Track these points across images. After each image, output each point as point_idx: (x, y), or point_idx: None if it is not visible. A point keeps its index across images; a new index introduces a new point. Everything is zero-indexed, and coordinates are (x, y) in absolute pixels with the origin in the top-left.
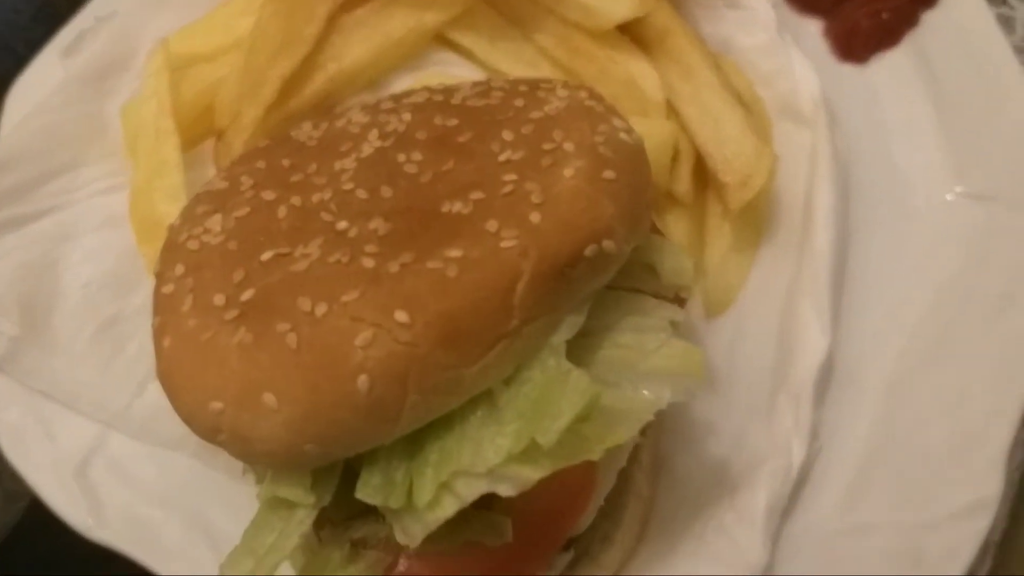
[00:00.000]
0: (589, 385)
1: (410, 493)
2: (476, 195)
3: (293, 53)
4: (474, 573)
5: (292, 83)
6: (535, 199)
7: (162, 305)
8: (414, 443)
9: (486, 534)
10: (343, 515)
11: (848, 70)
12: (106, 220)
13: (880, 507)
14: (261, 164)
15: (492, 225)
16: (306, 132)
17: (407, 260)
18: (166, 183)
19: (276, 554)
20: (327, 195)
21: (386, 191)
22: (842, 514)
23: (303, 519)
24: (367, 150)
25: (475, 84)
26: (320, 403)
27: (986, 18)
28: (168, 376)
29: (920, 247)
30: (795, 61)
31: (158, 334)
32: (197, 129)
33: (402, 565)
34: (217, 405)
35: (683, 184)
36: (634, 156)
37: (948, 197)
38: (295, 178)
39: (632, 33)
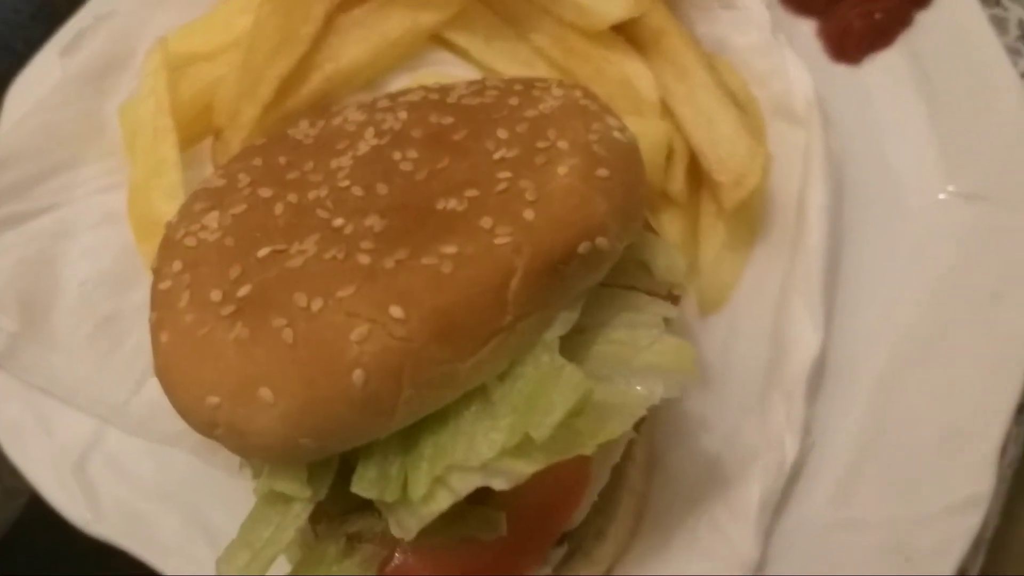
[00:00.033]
0: (582, 380)
1: (405, 487)
2: (471, 192)
3: (291, 52)
4: (469, 567)
5: (290, 82)
6: (529, 196)
7: (159, 301)
8: (409, 437)
9: (481, 528)
10: (339, 509)
11: (841, 70)
12: (105, 218)
13: (872, 503)
14: (258, 162)
15: (486, 222)
16: (303, 130)
17: (402, 256)
18: (164, 181)
19: (272, 548)
20: (323, 192)
21: (382, 188)
22: (834, 510)
23: (299, 513)
24: (363, 148)
25: (471, 83)
26: (315, 397)
27: (979, 19)
28: (165, 371)
29: (912, 246)
30: (789, 61)
31: (155, 329)
32: (195, 128)
33: (397, 559)
34: (213, 399)
35: (677, 183)
36: (628, 154)
37: (940, 196)
38: (292, 175)
39: (627, 33)
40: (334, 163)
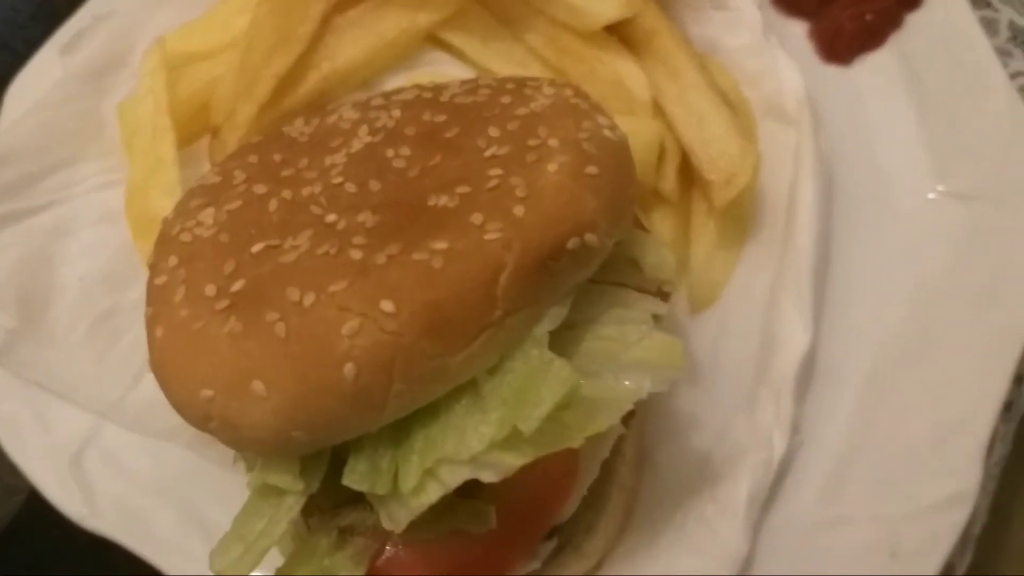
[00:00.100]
0: (570, 374)
1: (395, 479)
2: (462, 189)
3: (288, 52)
4: (459, 560)
5: (286, 82)
6: (519, 193)
7: (155, 296)
8: (400, 431)
9: (470, 521)
10: (331, 503)
11: (832, 71)
12: (103, 216)
13: (859, 500)
14: (253, 159)
15: (477, 218)
16: (298, 128)
17: (394, 252)
18: (162, 179)
19: (265, 540)
20: (317, 189)
21: (374, 185)
22: (822, 506)
23: (292, 506)
24: (357, 145)
25: (464, 82)
26: (307, 391)
27: (969, 20)
28: (160, 365)
29: (902, 245)
30: (780, 62)
31: (151, 324)
32: (193, 126)
33: (388, 552)
34: (207, 393)
35: (669, 182)
36: (617, 152)
37: (930, 196)
38: (286, 172)
39: (620, 34)
40: (328, 160)
